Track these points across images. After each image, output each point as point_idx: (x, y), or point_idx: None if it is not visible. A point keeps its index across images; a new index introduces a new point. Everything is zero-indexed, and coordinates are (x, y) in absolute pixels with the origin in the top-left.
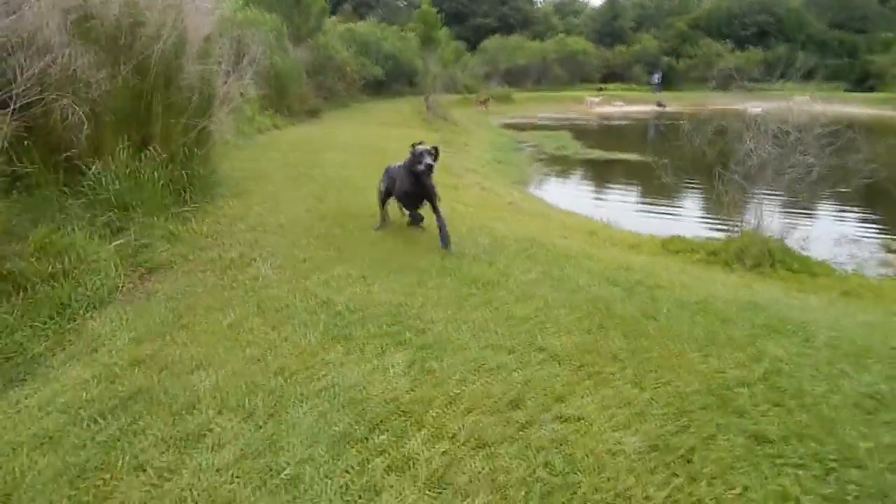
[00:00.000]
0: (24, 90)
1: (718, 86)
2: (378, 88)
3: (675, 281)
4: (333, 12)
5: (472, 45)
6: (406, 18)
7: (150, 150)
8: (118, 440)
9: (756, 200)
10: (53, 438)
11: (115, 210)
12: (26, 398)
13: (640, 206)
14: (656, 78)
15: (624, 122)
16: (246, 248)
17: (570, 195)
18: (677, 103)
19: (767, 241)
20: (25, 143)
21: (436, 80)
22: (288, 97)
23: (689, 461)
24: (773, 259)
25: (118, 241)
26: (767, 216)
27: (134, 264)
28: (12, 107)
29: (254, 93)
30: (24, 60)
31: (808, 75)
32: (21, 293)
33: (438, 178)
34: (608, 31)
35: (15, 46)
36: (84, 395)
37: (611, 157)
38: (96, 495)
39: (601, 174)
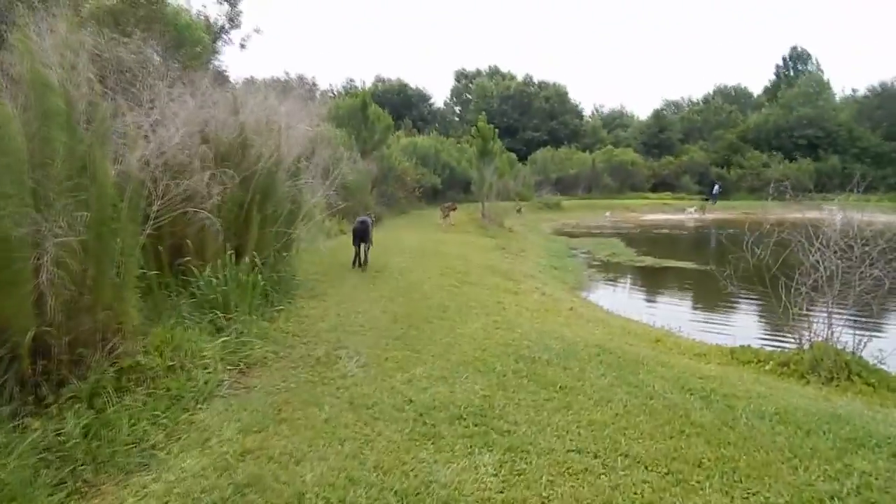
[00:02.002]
0: (163, 206)
1: (775, 196)
2: (435, 195)
3: (750, 390)
4: (397, 128)
5: (524, 157)
6: (461, 131)
7: (246, 257)
8: None
9: (825, 312)
10: None
11: (219, 310)
12: (151, 483)
13: (697, 314)
14: (716, 189)
15: (678, 232)
16: (330, 347)
17: (626, 302)
18: (731, 212)
19: (841, 353)
20: (158, 248)
21: (491, 189)
22: (354, 205)
23: None
24: (850, 372)
25: (222, 339)
26: (838, 328)
27: (235, 360)
28: (150, 221)
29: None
30: (163, 181)
31: (868, 187)
32: (144, 385)
33: (499, 284)
34: (655, 142)
35: (158, 170)
36: (202, 483)
37: (664, 264)
38: None
39: (655, 281)
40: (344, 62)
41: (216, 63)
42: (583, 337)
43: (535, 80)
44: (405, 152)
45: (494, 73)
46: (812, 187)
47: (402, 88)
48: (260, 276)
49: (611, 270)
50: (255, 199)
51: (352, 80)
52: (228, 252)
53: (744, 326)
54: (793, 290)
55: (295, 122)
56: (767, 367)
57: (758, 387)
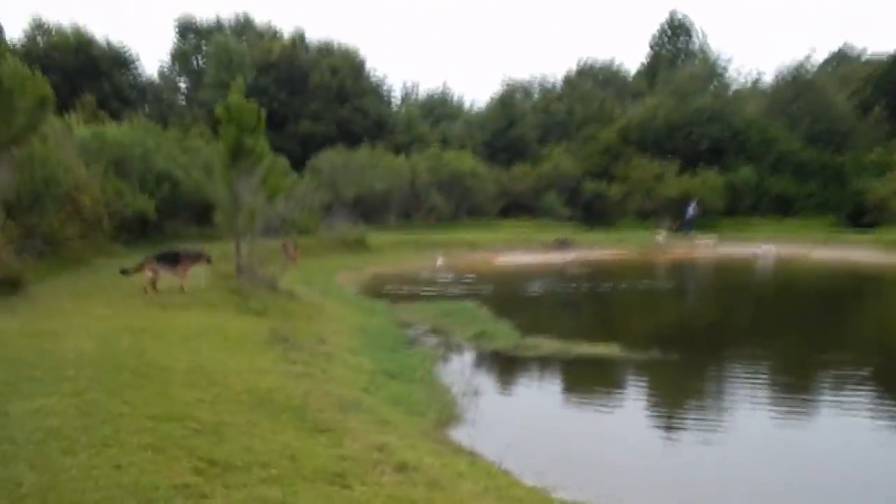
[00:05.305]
0: None
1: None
2: (145, 230)
3: None
4: (65, 107)
5: (300, 162)
6: (189, 118)
7: None
8: None
9: None
10: None
11: None
12: None
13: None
14: (691, 208)
15: (560, 285)
16: None
17: (550, 451)
18: (620, 248)
19: None
20: None
21: (254, 219)
22: None
23: None
24: None
25: None
26: None
27: None
28: None
29: None
30: None
31: (787, 206)
32: None
33: (298, 456)
34: (502, 143)
35: None
36: None
37: (577, 351)
38: None
39: (578, 393)
40: None
41: None
42: None
43: (312, 40)
44: (85, 151)
45: (244, 27)
46: (722, 208)
47: (84, 45)
48: None
49: (488, 368)
50: None
51: None
52: None
53: None
54: None
55: None
56: None
57: None
